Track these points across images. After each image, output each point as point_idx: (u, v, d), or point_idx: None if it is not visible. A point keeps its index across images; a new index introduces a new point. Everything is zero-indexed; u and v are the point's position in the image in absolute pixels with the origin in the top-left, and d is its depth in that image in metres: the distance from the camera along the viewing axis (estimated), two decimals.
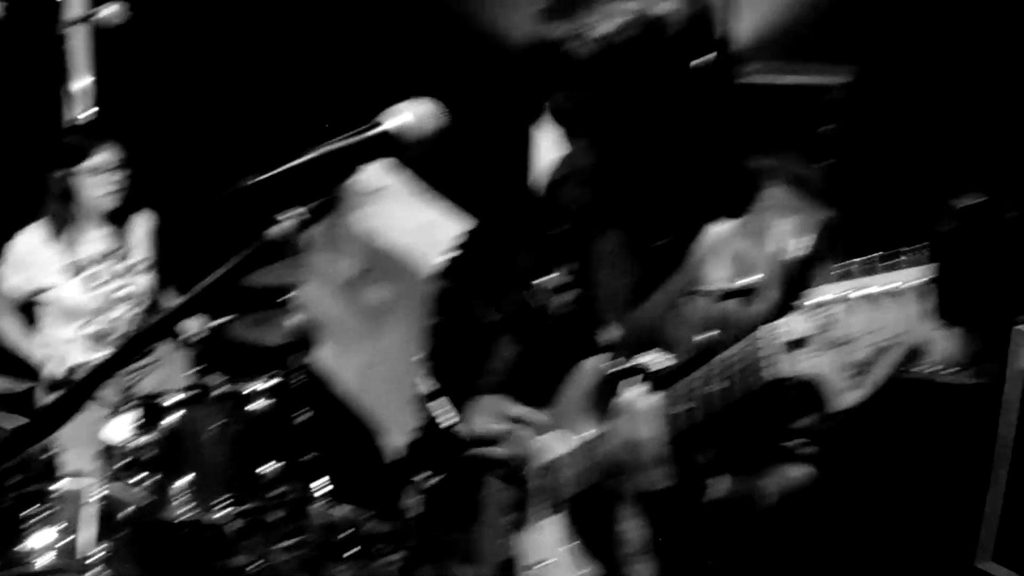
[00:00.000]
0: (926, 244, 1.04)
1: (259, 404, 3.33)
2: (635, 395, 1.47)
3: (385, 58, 4.23)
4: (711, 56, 1.45)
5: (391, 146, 1.35)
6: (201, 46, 4.54)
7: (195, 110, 4.57)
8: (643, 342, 1.58)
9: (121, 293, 4.01)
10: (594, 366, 1.66)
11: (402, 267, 1.24)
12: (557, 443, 1.73)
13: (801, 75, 2.92)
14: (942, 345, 1.05)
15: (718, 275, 1.53)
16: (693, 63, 1.43)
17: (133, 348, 1.28)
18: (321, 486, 3.49)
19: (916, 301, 1.06)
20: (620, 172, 1.52)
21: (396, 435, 1.43)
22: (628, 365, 1.58)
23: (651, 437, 1.44)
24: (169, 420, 3.27)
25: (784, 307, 1.43)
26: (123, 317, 4.02)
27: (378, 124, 1.35)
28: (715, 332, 1.50)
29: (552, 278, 1.75)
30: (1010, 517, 2.99)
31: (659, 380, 1.52)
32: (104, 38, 3.95)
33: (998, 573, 2.99)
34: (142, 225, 4.18)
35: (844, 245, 1.43)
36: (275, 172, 1.27)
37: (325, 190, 1.32)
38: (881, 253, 1.09)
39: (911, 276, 1.07)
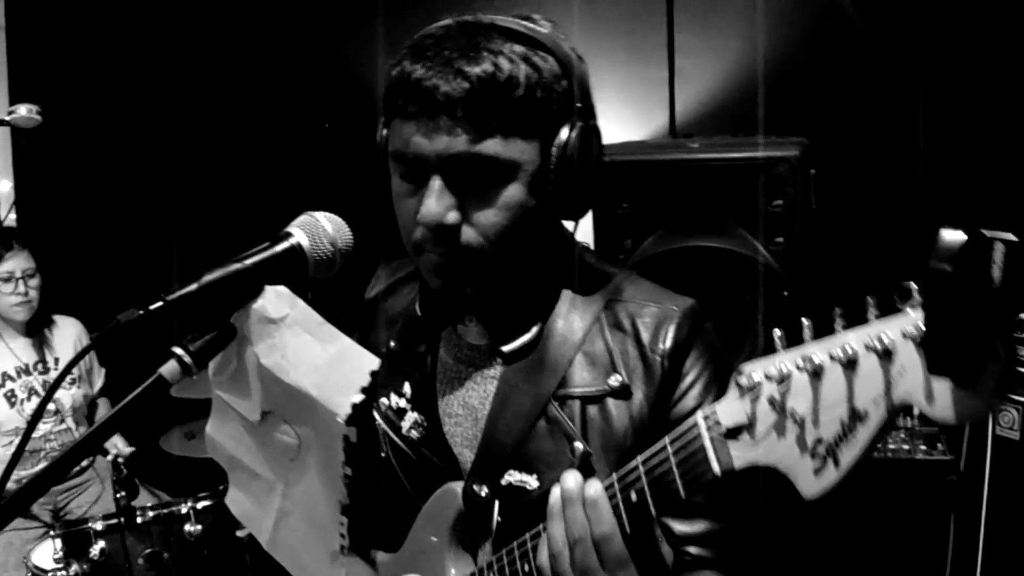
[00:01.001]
0: (904, 289, 0.90)
1: (194, 527, 3.12)
2: (575, 481, 1.19)
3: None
4: (580, 126, 1.30)
5: (299, 265, 1.20)
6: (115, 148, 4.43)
7: (112, 216, 4.44)
8: (505, 461, 1.38)
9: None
10: (450, 494, 1.42)
11: (314, 407, 1.09)
12: None
13: (746, 150, 2.82)
14: (937, 401, 0.88)
15: (584, 377, 1.38)
16: (564, 131, 1.29)
17: (58, 470, 1.10)
18: None
19: (887, 359, 0.91)
20: (462, 230, 1.29)
21: None
22: (487, 492, 1.37)
23: (612, 530, 1.16)
24: (98, 547, 3.03)
25: (661, 410, 1.36)
26: (48, 434, 3.83)
27: (288, 235, 1.21)
28: (585, 444, 1.34)
29: (393, 400, 1.53)
30: None
31: (529, 504, 1.33)
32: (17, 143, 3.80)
33: None
34: (68, 335, 4.01)
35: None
36: (176, 296, 1.11)
37: (223, 316, 1.17)
38: (839, 310, 0.96)
39: (876, 332, 0.91)
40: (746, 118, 3.32)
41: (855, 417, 0.94)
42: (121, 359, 4.18)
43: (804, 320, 1.00)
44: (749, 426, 1.03)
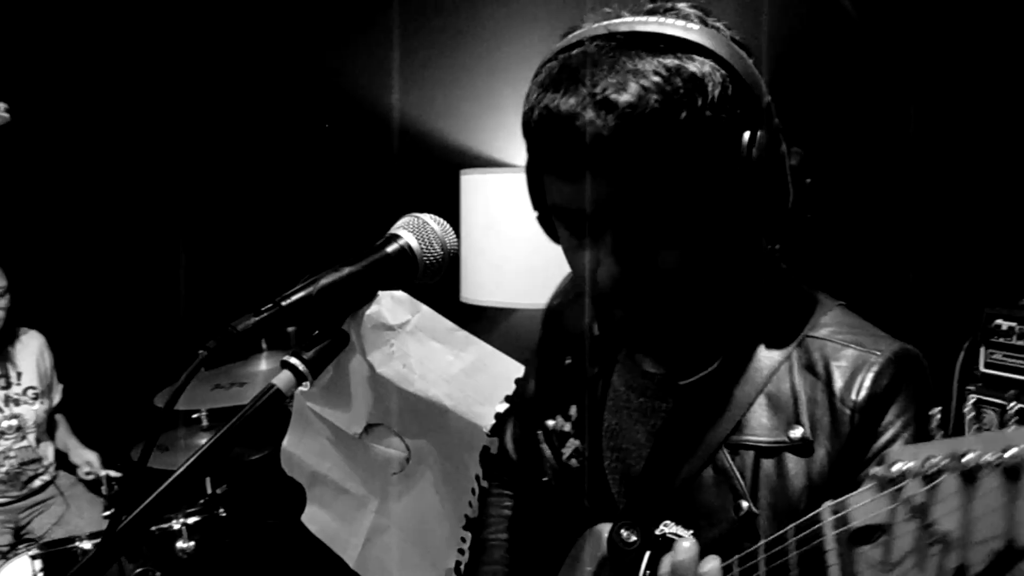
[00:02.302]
0: None
1: (186, 543, 3.01)
2: (689, 553, 1.07)
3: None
4: (761, 132, 1.10)
5: (409, 269, 1.14)
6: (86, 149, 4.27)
7: (74, 223, 4.29)
8: (663, 508, 1.23)
9: (3, 424, 3.69)
10: (597, 536, 1.29)
11: (443, 418, 1.02)
12: None
13: None
14: None
15: (762, 423, 1.21)
16: (745, 140, 1.09)
17: (168, 495, 1.02)
18: None
19: None
20: (647, 284, 1.14)
21: None
22: (636, 540, 1.21)
23: None
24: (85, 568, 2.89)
25: (846, 473, 1.16)
26: (8, 451, 3.71)
27: (396, 237, 1.15)
28: (751, 504, 1.18)
29: (557, 422, 1.42)
30: None
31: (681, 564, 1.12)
32: None
33: None
34: (31, 349, 3.87)
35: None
36: (291, 301, 1.04)
37: (335, 323, 1.11)
38: (1013, 392, 0.85)
39: None
40: None
41: (1012, 552, 0.75)
42: (79, 374, 4.06)
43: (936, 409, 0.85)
44: (885, 531, 0.85)
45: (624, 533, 1.22)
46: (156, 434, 1.06)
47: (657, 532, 1.21)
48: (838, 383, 1.18)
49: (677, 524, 1.21)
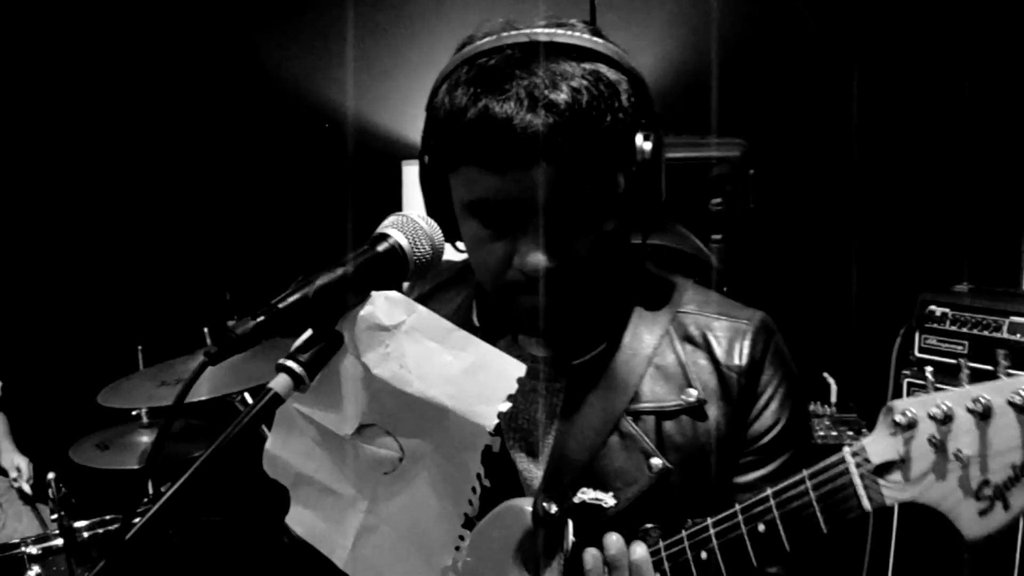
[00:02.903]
0: None
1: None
2: (617, 546, 1.21)
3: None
4: (655, 136, 1.25)
5: (399, 268, 1.15)
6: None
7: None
8: (576, 478, 1.32)
9: None
10: (516, 511, 1.34)
11: (443, 418, 1.02)
12: None
13: (689, 149, 2.85)
14: None
15: (656, 391, 1.35)
16: (640, 141, 1.24)
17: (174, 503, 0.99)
18: None
19: None
20: (566, 269, 1.24)
21: None
22: (556, 509, 1.29)
23: None
24: (33, 572, 2.83)
25: (738, 428, 1.34)
26: None
27: (386, 236, 1.15)
28: (664, 461, 1.31)
29: None
30: None
31: (606, 523, 1.28)
32: None
33: None
34: None
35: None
36: (288, 303, 1.04)
37: (328, 324, 1.10)
38: (1004, 351, 0.98)
39: None
40: (675, 119, 3.34)
41: None
42: (17, 371, 3.96)
43: (928, 368, 1.01)
44: (901, 463, 1.02)
45: (546, 504, 1.30)
46: (164, 438, 1.03)
47: (576, 500, 1.31)
48: (719, 351, 1.36)
49: (596, 490, 1.31)
